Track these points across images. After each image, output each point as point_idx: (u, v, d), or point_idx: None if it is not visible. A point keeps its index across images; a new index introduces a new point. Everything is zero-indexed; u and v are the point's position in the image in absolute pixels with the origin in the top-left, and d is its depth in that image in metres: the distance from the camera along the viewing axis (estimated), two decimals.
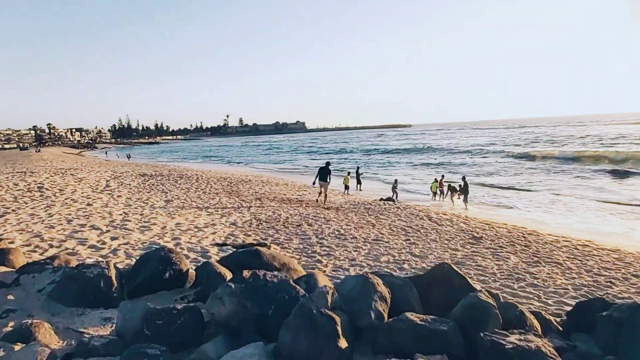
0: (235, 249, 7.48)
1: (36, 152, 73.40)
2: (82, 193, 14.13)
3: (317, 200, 16.44)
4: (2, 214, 9.40)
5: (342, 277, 6.13)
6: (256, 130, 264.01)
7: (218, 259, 6.92)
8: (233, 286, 3.19)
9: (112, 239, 7.58)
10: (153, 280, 4.05)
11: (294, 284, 3.33)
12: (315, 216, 12.09)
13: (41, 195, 12.88)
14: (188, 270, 4.34)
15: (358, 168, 25.55)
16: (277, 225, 10.37)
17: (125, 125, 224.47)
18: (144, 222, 9.37)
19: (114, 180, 19.19)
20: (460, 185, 18.91)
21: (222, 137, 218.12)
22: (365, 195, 20.90)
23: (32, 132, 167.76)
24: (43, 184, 15.43)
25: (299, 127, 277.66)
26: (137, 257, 6.66)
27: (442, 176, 21.80)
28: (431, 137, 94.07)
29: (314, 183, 16.34)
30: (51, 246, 6.80)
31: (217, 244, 7.81)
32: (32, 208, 10.30)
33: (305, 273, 4.70)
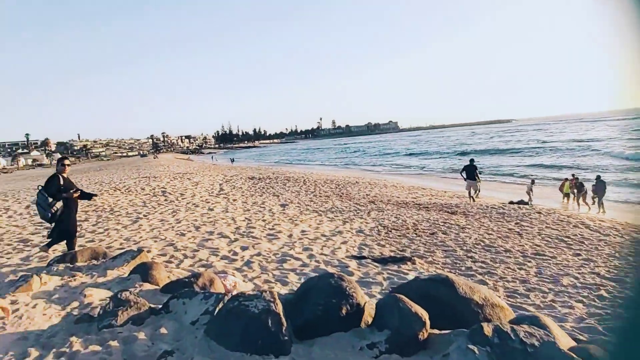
0: (376, 262, 6.49)
1: (154, 158, 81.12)
2: (201, 197, 14.34)
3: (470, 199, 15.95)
4: (136, 219, 9.53)
5: (533, 311, 4.78)
6: (349, 131, 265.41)
7: (361, 275, 5.99)
8: (477, 351, 2.09)
9: (243, 248, 7.04)
10: (327, 317, 3.13)
11: (568, 353, 2.13)
12: (445, 222, 10.68)
13: (165, 200, 13.24)
14: (365, 304, 3.37)
15: (475, 167, 23.28)
16: (407, 233, 9.19)
17: (227, 131, 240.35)
18: (269, 229, 8.82)
19: (226, 184, 19.60)
20: (593, 186, 16.03)
21: (316, 140, 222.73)
22: (483, 197, 18.77)
23: (150, 140, 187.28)
24: (165, 189, 16.08)
25: (391, 127, 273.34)
26: (273, 271, 6.00)
27: (573, 175, 18.71)
28: (542, 133, 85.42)
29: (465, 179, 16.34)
30: (185, 256, 6.41)
31: (354, 257, 6.87)
32: (160, 213, 10.39)
33: (514, 313, 3.48)
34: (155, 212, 10.64)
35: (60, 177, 5.75)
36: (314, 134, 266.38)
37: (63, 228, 5.77)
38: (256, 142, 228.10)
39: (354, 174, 33.03)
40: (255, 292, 3.25)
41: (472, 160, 15.21)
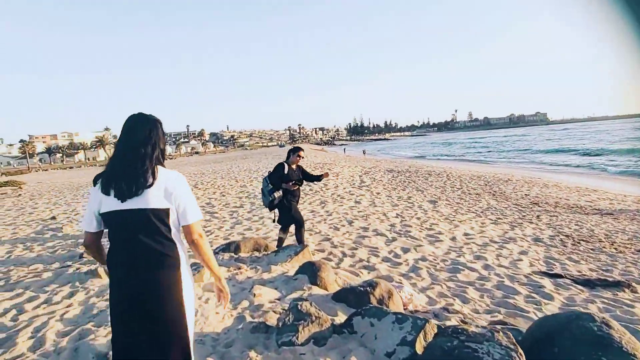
0: (578, 285, 5.08)
1: None
2: (344, 189, 14.01)
3: None
4: None
5: None
6: (487, 124, 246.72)
7: (564, 300, 4.69)
8: None
9: (404, 250, 6.24)
10: None
11: None
12: None
13: (311, 190, 13.18)
14: None
15: None
16: (603, 247, 7.34)
17: (359, 124, 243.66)
18: (427, 228, 7.87)
19: (365, 176, 19.12)
20: None
21: (449, 133, 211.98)
22: None
23: (287, 131, 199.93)
24: None
25: (538, 119, 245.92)
26: (446, 282, 5.06)
27: None
28: None
29: None
30: (344, 254, 5.86)
31: (545, 273, 5.53)
32: (309, 204, 10.23)
33: None
34: (304, 202, 10.50)
35: (285, 166, 5.56)
36: (448, 126, 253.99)
37: (287, 216, 5.58)
38: (387, 134, 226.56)
39: (501, 170, 29.83)
40: (481, 329, 2.38)
41: None
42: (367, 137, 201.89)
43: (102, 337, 3.04)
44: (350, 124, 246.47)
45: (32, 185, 26.88)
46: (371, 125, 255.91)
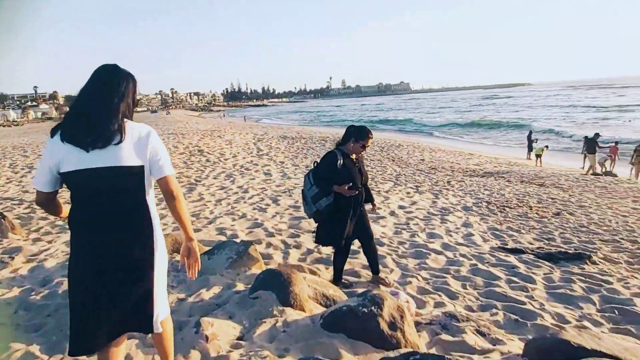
0: (542, 260, 4.73)
1: (167, 114, 78.98)
2: (244, 158, 12.57)
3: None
4: (190, 187, 7.76)
5: None
6: (359, 92, 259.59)
7: (546, 283, 4.24)
8: None
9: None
10: None
11: None
12: (552, 198, 8.85)
13: (207, 161, 11.46)
14: None
15: (530, 132, 21.29)
16: (525, 212, 7.39)
17: (236, 89, 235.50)
18: None
19: (260, 144, 17.76)
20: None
21: (325, 100, 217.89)
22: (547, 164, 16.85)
23: (159, 96, 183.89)
24: (201, 148, 14.26)
25: (402, 89, 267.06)
26: (419, 272, 4.26)
27: (597, 134, 16.19)
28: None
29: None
30: (286, 245, 4.67)
31: (505, 249, 5.11)
32: (214, 178, 8.65)
33: None
34: (208, 177, 8.88)
35: (341, 156, 3.50)
36: (324, 93, 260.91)
37: (335, 231, 3.56)
38: (265, 100, 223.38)
39: (387, 135, 30.95)
40: None
41: (596, 135, 14.29)
42: (245, 103, 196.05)
43: None
44: (227, 89, 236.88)
45: None
46: (249, 91, 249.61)
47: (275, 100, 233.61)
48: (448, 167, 13.96)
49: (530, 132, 21.58)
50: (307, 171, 3.71)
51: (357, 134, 3.48)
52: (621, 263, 4.95)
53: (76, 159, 1.60)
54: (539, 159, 18.00)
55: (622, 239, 6.01)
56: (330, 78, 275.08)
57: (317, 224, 3.68)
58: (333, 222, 3.50)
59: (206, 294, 3.06)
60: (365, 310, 2.55)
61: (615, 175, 13.67)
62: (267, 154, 14.28)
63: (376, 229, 5.47)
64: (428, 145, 22.17)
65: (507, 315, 3.40)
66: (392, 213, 6.53)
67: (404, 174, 11.37)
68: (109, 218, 1.64)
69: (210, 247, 3.89)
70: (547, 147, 18.99)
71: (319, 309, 2.98)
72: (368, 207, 3.86)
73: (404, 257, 4.63)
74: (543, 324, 3.25)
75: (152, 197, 1.77)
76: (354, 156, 3.56)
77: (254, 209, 6.13)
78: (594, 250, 5.34)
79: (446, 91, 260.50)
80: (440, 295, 3.72)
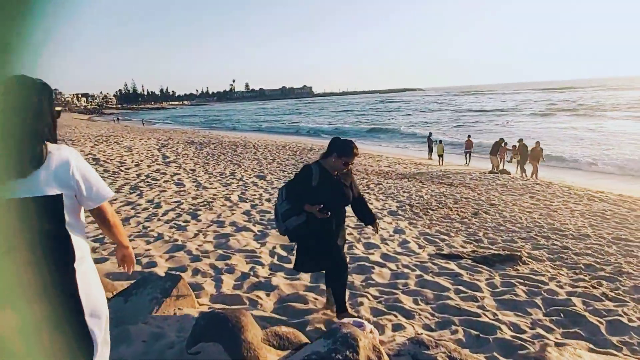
0: (481, 265, 4.74)
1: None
2: (149, 166, 11.35)
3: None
4: None
5: None
6: (263, 95, 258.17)
7: (491, 290, 4.20)
8: None
9: (287, 249, 4.81)
10: None
11: None
12: (466, 198, 9.29)
13: (106, 171, 10.09)
14: None
15: (430, 134, 22.63)
16: (447, 213, 7.58)
17: (131, 90, 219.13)
18: None
19: (166, 150, 16.37)
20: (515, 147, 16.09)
21: (229, 103, 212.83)
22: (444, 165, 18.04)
23: None
24: (97, 156, 12.60)
25: (305, 92, 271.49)
26: (366, 289, 3.95)
27: (502, 139, 17.92)
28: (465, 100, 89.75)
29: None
30: (217, 270, 4.05)
31: (442, 255, 5.04)
32: (116, 192, 7.52)
33: None
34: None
35: (315, 171, 3.00)
36: (227, 96, 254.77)
37: (308, 254, 3.16)
38: (164, 103, 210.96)
39: (295, 139, 30.83)
40: None
41: (501, 140, 15.86)
42: (142, 106, 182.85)
43: None
44: (120, 90, 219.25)
45: None
46: (146, 93, 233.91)
47: (176, 103, 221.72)
48: (362, 170, 14.14)
49: (430, 134, 23.00)
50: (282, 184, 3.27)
51: (340, 150, 2.97)
52: (545, 261, 5.17)
53: None
54: (441, 158, 19.17)
55: (537, 235, 6.38)
56: (234, 81, 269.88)
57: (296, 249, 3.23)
58: (301, 245, 3.04)
59: (127, 352, 2.37)
60: (340, 357, 2.12)
61: (509, 173, 14.99)
62: (175, 161, 13.13)
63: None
64: None
65: (467, 332, 3.22)
66: None
67: None
68: (26, 253, 1.42)
69: (124, 286, 3.14)
70: (440, 141, 20.21)
71: (273, 355, 2.48)
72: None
73: (348, 273, 4.28)
74: (503, 338, 3.13)
75: (78, 228, 1.56)
76: (339, 172, 3.06)
77: (171, 227, 5.33)
78: (519, 250, 5.54)
79: (346, 95, 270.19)
80: (396, 316, 3.43)
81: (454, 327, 3.31)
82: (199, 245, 4.63)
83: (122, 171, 10.21)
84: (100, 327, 1.57)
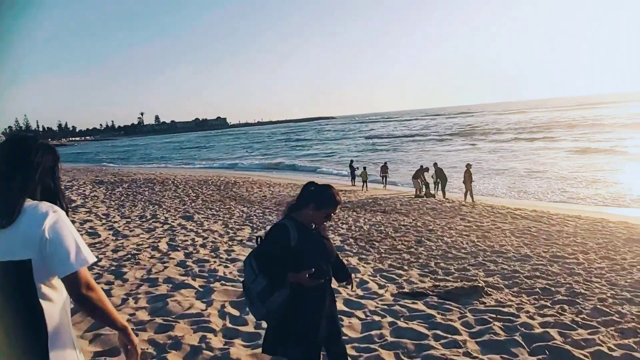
0: (448, 301, 4.51)
1: None
2: None
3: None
4: None
5: None
6: (174, 128, 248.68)
7: (464, 329, 3.91)
8: None
9: (236, 306, 4.16)
10: None
11: None
12: (405, 225, 9.27)
13: None
14: None
15: (352, 161, 22.97)
16: (392, 244, 7.40)
17: (23, 127, 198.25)
18: (226, 259, 5.89)
19: (70, 192, 14.52)
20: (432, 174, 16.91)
21: (138, 137, 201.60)
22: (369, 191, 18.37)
23: None
24: None
25: (220, 124, 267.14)
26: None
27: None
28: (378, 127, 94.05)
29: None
30: (161, 347, 3.28)
31: (406, 294, 4.72)
32: None
33: None
34: None
35: (294, 227, 2.31)
36: (135, 130, 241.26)
37: (289, 339, 2.34)
38: (62, 140, 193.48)
39: (214, 172, 29.59)
40: None
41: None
42: None
43: None
44: (10, 127, 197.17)
45: None
46: (41, 129, 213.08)
47: (77, 139, 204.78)
48: (282, 202, 13.72)
49: (352, 161, 23.37)
50: (249, 252, 2.49)
51: (319, 200, 2.35)
52: (503, 288, 5.10)
53: None
54: (365, 184, 19.41)
55: (484, 260, 6.40)
56: (142, 114, 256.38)
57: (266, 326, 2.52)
58: (289, 323, 2.32)
59: None
60: None
61: (433, 196, 15.53)
62: (84, 205, 11.58)
63: None
64: (262, 180, 21.86)
65: None
66: None
67: (255, 215, 10.53)
68: None
69: None
70: (365, 167, 20.38)
71: None
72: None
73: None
74: None
75: (56, 299, 1.36)
76: (319, 225, 2.46)
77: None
78: (475, 277, 5.44)
79: (261, 125, 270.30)
80: None
81: None
82: (131, 315, 3.79)
83: None
84: None
